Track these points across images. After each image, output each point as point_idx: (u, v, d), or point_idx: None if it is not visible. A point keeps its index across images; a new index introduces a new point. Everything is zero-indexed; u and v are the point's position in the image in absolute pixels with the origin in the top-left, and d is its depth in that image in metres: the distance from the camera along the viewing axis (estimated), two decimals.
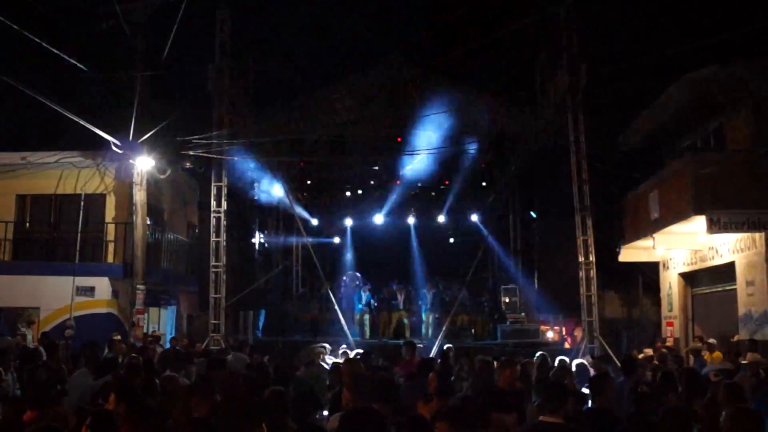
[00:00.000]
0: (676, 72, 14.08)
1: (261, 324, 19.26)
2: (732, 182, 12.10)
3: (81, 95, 16.27)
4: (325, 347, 10.78)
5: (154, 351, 11.24)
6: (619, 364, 11.30)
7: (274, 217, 21.89)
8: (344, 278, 21.66)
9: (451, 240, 25.72)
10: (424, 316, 19.05)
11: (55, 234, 16.49)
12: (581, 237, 14.72)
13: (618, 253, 16.67)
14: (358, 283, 20.11)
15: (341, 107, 17.72)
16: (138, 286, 14.62)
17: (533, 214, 23.75)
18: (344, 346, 13.52)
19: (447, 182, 22.24)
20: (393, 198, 22.54)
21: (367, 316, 19.08)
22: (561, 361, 9.95)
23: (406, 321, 19.12)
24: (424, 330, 18.78)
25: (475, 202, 24.23)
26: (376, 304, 19.41)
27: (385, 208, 23.29)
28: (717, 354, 11.82)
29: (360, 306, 19.18)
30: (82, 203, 15.78)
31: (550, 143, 16.42)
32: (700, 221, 12.24)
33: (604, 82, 16.31)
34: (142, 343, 12.79)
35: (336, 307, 18.44)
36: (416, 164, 20.24)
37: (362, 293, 19.29)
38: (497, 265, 24.31)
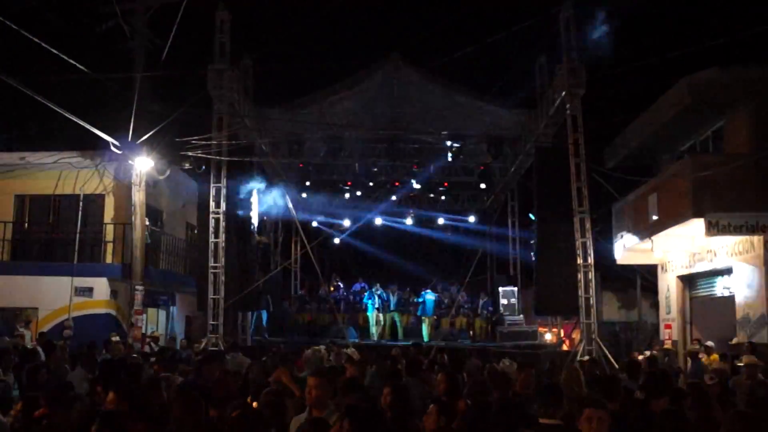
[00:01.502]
0: (676, 74, 14.11)
1: (264, 325, 19.19)
2: (731, 185, 12.10)
3: (80, 96, 16.25)
4: (320, 350, 10.76)
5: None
6: (617, 366, 11.32)
7: (273, 218, 21.88)
8: (336, 282, 21.61)
9: (450, 241, 25.71)
10: (423, 317, 18.99)
11: (54, 234, 16.45)
12: (580, 239, 14.72)
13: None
14: (375, 286, 19.91)
15: (341, 107, 17.72)
16: (136, 287, 14.61)
17: (532, 216, 23.75)
18: (351, 349, 13.45)
19: (446, 184, 22.30)
20: (392, 199, 22.57)
21: (375, 318, 19.00)
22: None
23: (398, 321, 19.05)
24: (422, 331, 18.72)
25: (474, 204, 24.30)
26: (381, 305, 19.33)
27: (384, 210, 23.31)
28: (714, 356, 11.84)
29: (373, 307, 19.05)
30: (80, 204, 15.76)
31: (549, 145, 16.43)
32: (698, 224, 12.23)
33: (603, 84, 16.34)
34: (140, 344, 12.80)
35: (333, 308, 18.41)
36: (415, 165, 20.27)
37: (374, 294, 19.15)
38: (495, 266, 24.32)
